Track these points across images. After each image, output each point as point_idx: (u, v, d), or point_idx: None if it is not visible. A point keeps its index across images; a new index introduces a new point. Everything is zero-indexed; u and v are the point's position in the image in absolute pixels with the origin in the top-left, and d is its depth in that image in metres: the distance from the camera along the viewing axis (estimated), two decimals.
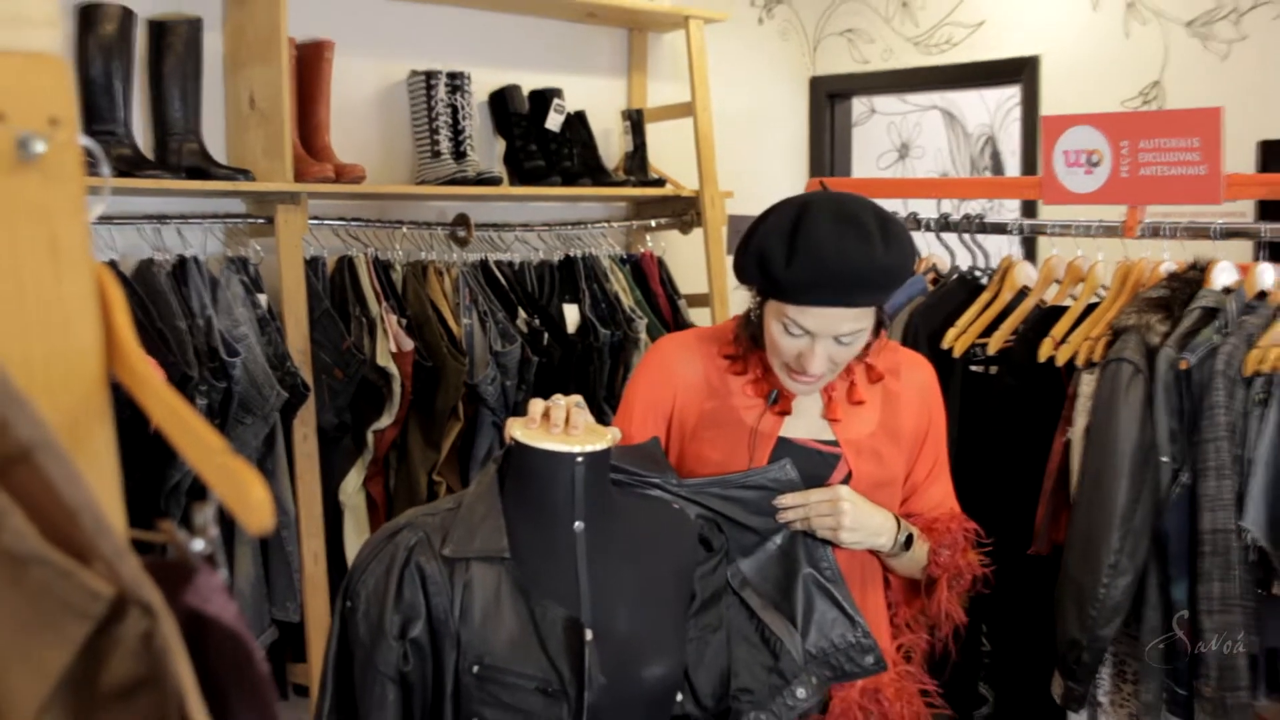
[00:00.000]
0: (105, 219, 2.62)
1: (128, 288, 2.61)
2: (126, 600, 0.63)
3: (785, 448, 1.83)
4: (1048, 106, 4.14)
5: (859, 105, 5.42)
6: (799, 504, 1.74)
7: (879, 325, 1.83)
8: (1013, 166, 5.96)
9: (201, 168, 2.79)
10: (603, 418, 3.17)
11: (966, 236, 2.87)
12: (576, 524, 1.56)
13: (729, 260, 3.81)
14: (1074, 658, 2.27)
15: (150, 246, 2.74)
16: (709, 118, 3.80)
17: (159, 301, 2.64)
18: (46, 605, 0.62)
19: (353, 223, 3.16)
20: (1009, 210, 5.27)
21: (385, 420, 2.99)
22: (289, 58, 2.92)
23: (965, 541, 1.90)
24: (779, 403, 1.85)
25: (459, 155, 3.30)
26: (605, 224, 3.77)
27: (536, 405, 1.60)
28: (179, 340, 2.60)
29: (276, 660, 2.88)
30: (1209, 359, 2.22)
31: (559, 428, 1.57)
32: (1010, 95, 5.65)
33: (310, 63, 3.07)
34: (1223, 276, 2.39)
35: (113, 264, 2.68)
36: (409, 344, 3.01)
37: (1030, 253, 4.11)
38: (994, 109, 6.19)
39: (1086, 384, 2.36)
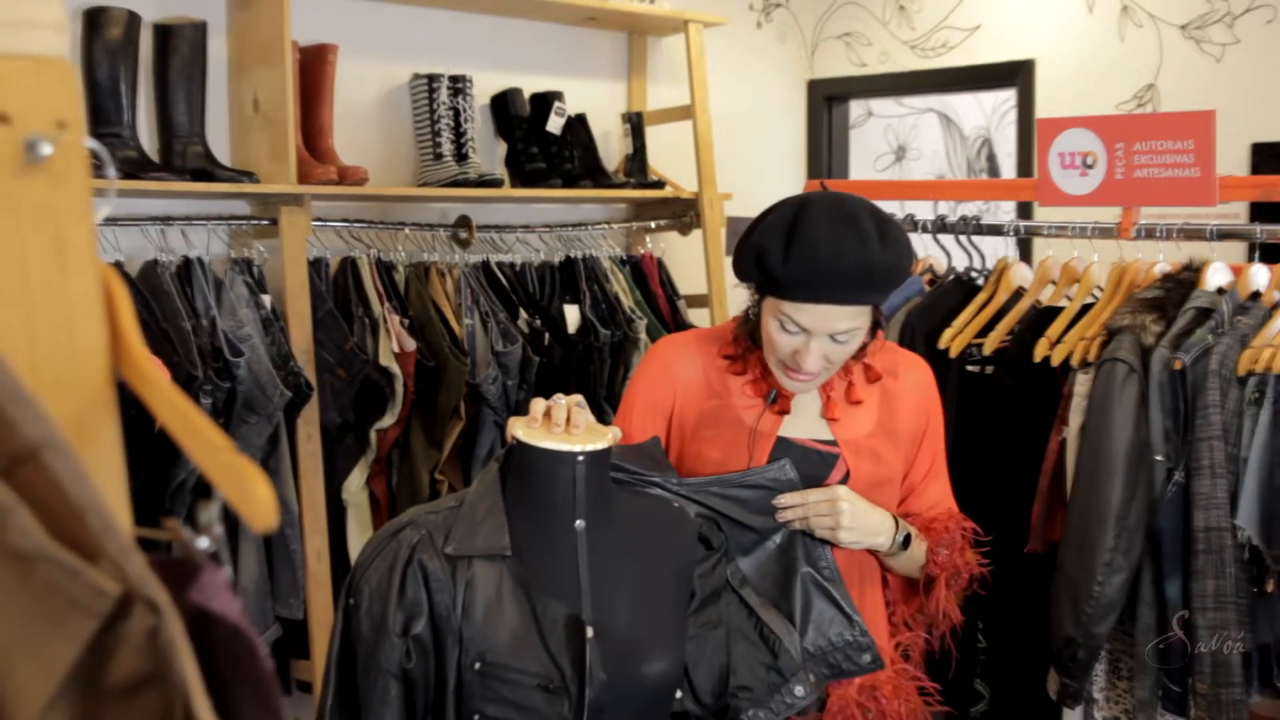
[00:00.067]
0: (111, 220, 2.62)
1: (133, 288, 2.61)
2: (132, 597, 0.63)
3: (784, 447, 1.83)
4: (1043, 109, 4.14)
5: (856, 108, 5.42)
6: (798, 504, 1.74)
7: (875, 325, 1.83)
8: (1008, 169, 5.97)
9: (206, 170, 2.79)
10: (603, 417, 3.17)
11: (963, 238, 2.87)
12: (577, 522, 1.56)
13: (728, 261, 3.81)
14: (1069, 654, 2.27)
15: (155, 248, 2.74)
16: (708, 120, 3.80)
17: (164, 302, 2.64)
18: (53, 602, 0.62)
19: (356, 224, 3.16)
20: (1005, 212, 5.27)
21: (388, 419, 2.99)
22: (293, 61, 2.92)
23: (963, 541, 1.90)
24: (778, 402, 1.85)
25: (461, 157, 3.30)
26: (605, 225, 3.77)
27: (538, 405, 1.60)
28: (184, 340, 2.60)
29: (280, 656, 2.88)
30: (1203, 359, 2.22)
31: (560, 427, 1.57)
32: (1006, 98, 5.65)
33: (314, 66, 3.07)
34: (1216, 277, 2.39)
35: (118, 265, 2.68)
36: (411, 344, 3.01)
37: (1026, 254, 4.10)
38: (990, 112, 6.19)
39: (1081, 384, 2.36)
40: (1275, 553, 2.19)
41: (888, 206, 1.94)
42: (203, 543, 0.71)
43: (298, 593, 2.82)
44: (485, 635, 1.47)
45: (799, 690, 1.64)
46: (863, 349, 1.85)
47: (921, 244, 2.89)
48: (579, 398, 1.62)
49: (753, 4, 4.54)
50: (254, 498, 0.70)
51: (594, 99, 3.81)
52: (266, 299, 2.83)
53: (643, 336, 3.46)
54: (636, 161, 3.77)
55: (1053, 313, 2.57)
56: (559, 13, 3.62)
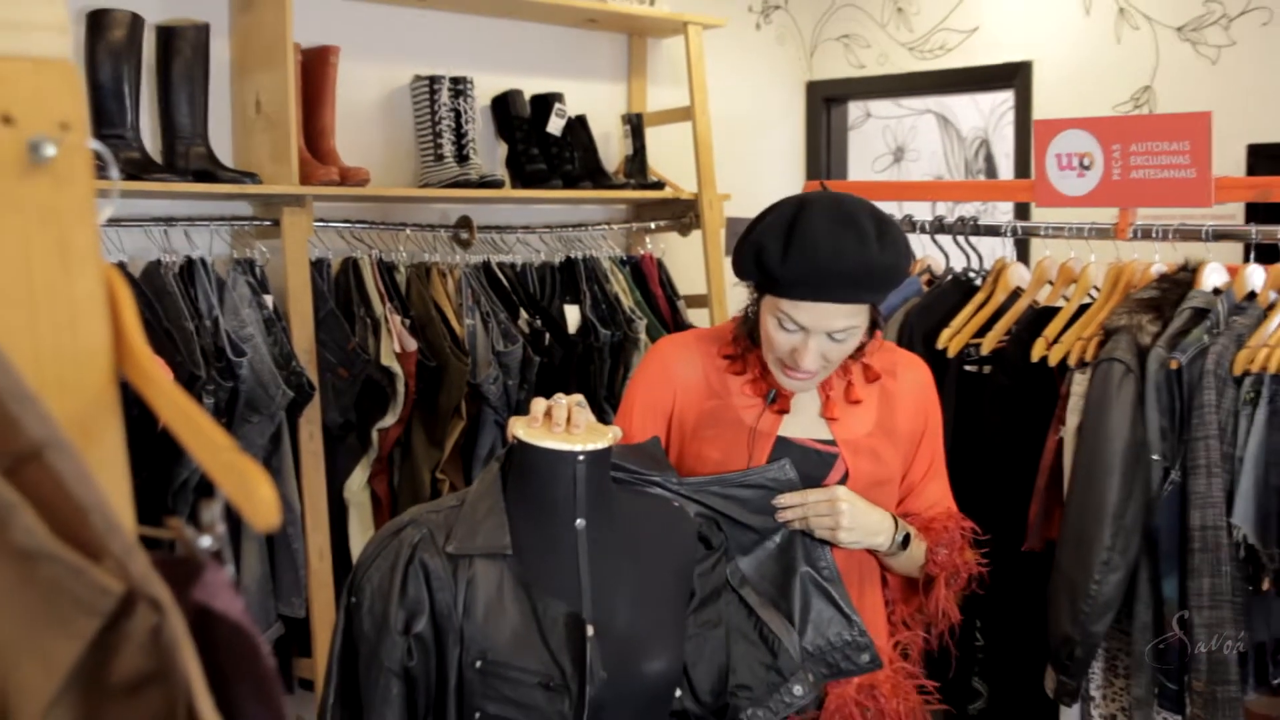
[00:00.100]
0: (114, 221, 2.62)
1: (136, 289, 2.61)
2: (135, 596, 0.63)
3: (783, 447, 1.83)
4: (1040, 111, 4.14)
5: (855, 109, 5.42)
6: (797, 504, 1.74)
7: (874, 325, 1.83)
8: (1006, 170, 5.96)
9: (209, 171, 2.79)
10: (603, 417, 3.16)
11: (961, 238, 2.87)
12: (578, 521, 1.56)
13: (727, 262, 3.81)
14: (1067, 653, 2.27)
15: (158, 248, 2.74)
16: (707, 122, 3.80)
17: (167, 302, 2.64)
18: (57, 601, 0.62)
19: (357, 225, 3.16)
20: (1002, 213, 5.26)
21: (389, 419, 2.99)
22: (295, 63, 2.92)
23: (962, 540, 1.90)
24: (777, 402, 1.85)
25: (462, 159, 3.30)
26: (605, 226, 3.77)
27: (538, 404, 1.60)
28: (186, 340, 2.60)
29: (282, 655, 2.88)
30: (1199, 359, 2.22)
31: (560, 426, 1.57)
32: (1004, 100, 5.65)
33: (315, 68, 3.07)
34: (1212, 278, 2.40)
35: (121, 265, 2.67)
36: (413, 344, 3.01)
37: (1023, 254, 4.10)
38: (988, 113, 6.19)
39: (1079, 383, 2.36)
40: (1271, 551, 2.19)
41: (886, 207, 1.94)
42: (205, 541, 0.71)
43: (300, 591, 2.82)
44: (486, 634, 1.47)
45: (797, 690, 1.64)
46: (861, 349, 1.85)
47: (919, 244, 2.89)
48: (579, 397, 1.62)
49: (752, 6, 4.54)
50: (256, 497, 0.70)
51: (594, 100, 3.81)
52: (269, 299, 2.83)
53: (643, 337, 3.46)
54: (636, 162, 3.77)
55: (1050, 313, 2.57)
56: (559, 15, 3.62)
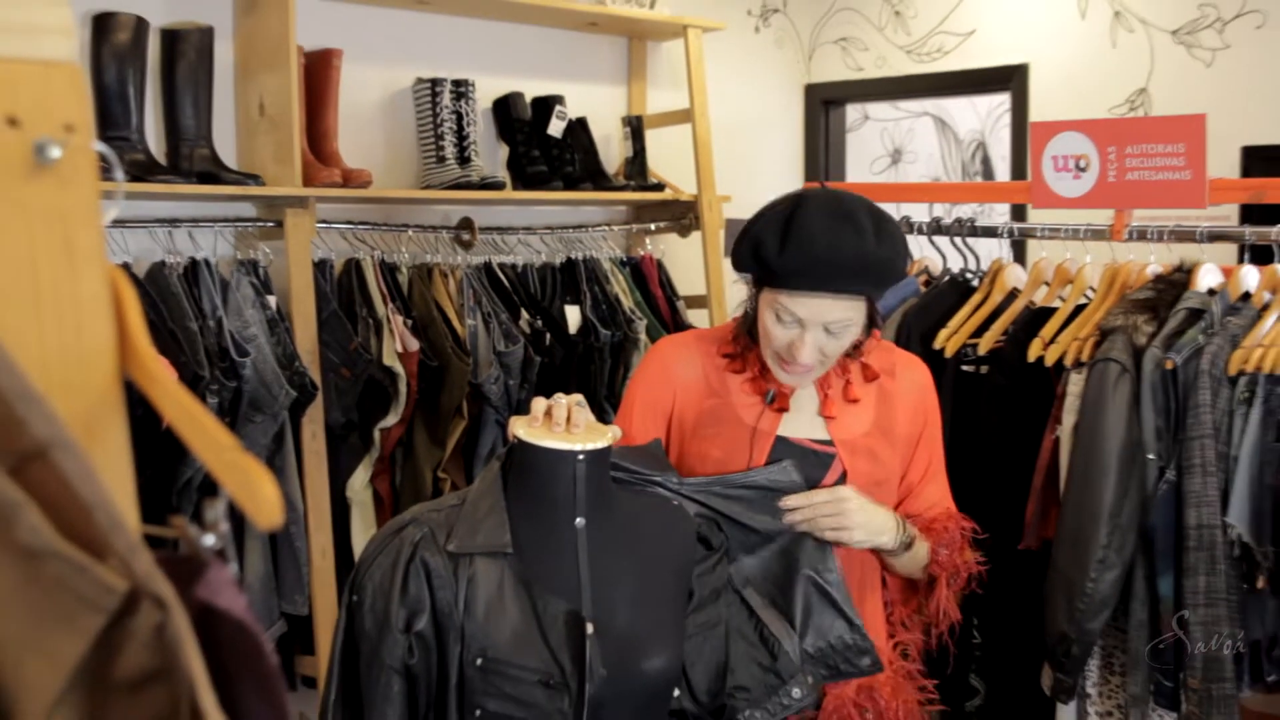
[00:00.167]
0: (119, 222, 2.62)
1: (140, 289, 2.61)
2: (139, 594, 0.63)
3: (782, 447, 1.83)
4: (1037, 113, 4.14)
5: (853, 111, 5.42)
6: (802, 505, 1.73)
7: (871, 323, 1.83)
8: (1003, 172, 5.96)
9: (212, 172, 2.79)
10: (603, 417, 3.17)
11: (958, 240, 2.87)
12: (578, 520, 1.56)
13: (727, 263, 3.82)
14: (1063, 650, 2.27)
15: (162, 249, 2.74)
16: (707, 124, 3.80)
17: (171, 303, 2.64)
18: (61, 599, 0.62)
19: (360, 226, 3.16)
20: (999, 214, 5.26)
21: (391, 418, 2.99)
22: (298, 66, 2.92)
23: (962, 540, 1.89)
24: (776, 401, 1.85)
25: (463, 160, 3.30)
26: (606, 227, 3.77)
27: (539, 404, 1.60)
28: (190, 340, 2.60)
29: (285, 652, 2.88)
30: (1194, 359, 2.22)
31: (561, 426, 1.57)
32: (1000, 102, 5.65)
33: (319, 70, 3.07)
34: (1207, 278, 2.40)
35: (126, 266, 2.68)
36: (414, 344, 3.01)
37: (1020, 255, 4.10)
38: (984, 116, 6.19)
39: (1075, 383, 2.36)
40: (1265, 549, 2.19)
41: (884, 209, 1.94)
42: (209, 540, 0.71)
43: (302, 589, 2.82)
44: (487, 631, 1.47)
45: (796, 692, 1.64)
46: (858, 347, 1.85)
47: (917, 246, 2.90)
48: (579, 397, 1.62)
49: (751, 9, 4.54)
50: (259, 496, 0.70)
51: (595, 103, 3.81)
52: (272, 300, 2.83)
53: (643, 337, 3.46)
54: (636, 164, 3.77)
55: (1046, 313, 2.57)
56: (560, 18, 3.62)
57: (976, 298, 2.70)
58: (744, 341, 1.88)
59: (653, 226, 3.87)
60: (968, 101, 6.05)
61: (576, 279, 3.52)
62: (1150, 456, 2.23)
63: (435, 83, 3.28)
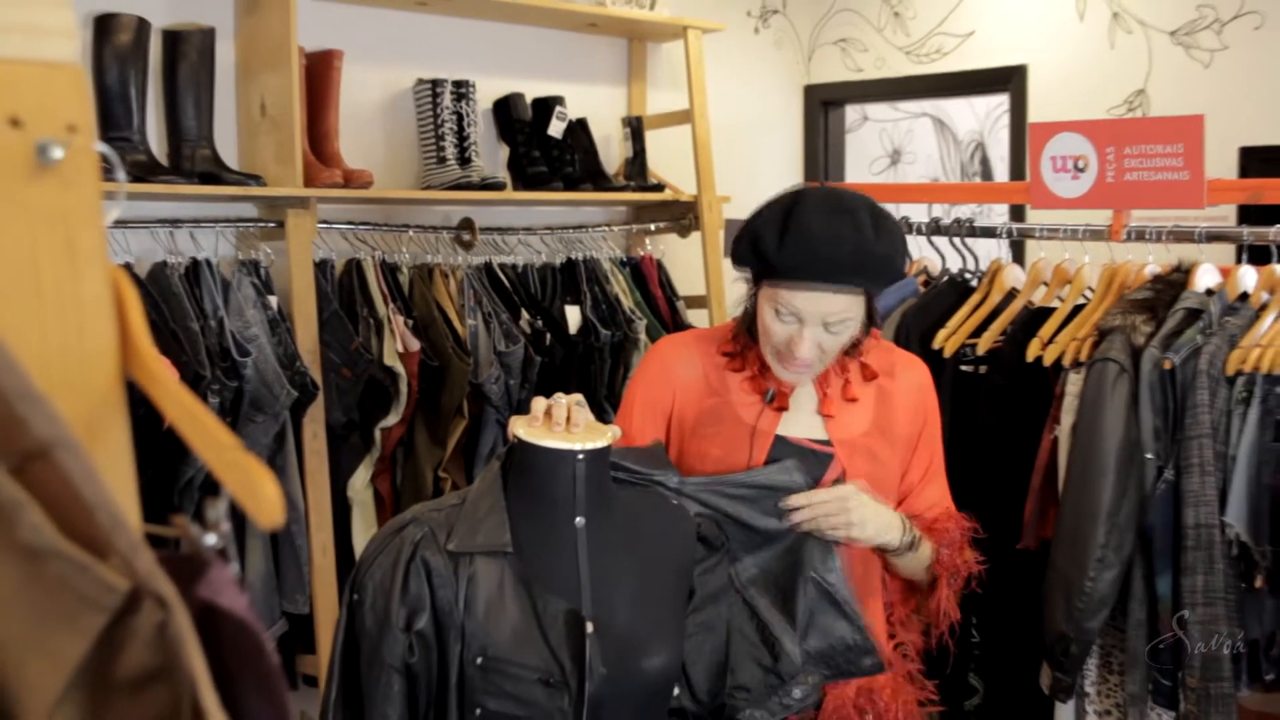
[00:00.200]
0: (121, 223, 2.62)
1: (142, 290, 2.61)
2: (141, 593, 0.63)
3: (781, 446, 1.82)
4: (1035, 114, 4.14)
5: (852, 112, 5.41)
6: (805, 504, 1.71)
7: (870, 320, 1.82)
8: (1001, 172, 5.96)
9: (214, 173, 2.79)
10: (603, 416, 3.17)
11: (957, 240, 2.87)
12: (578, 519, 1.56)
13: (727, 263, 3.82)
14: (1062, 649, 2.27)
15: (164, 250, 2.74)
16: (706, 125, 3.80)
17: (173, 303, 2.64)
18: (64, 598, 0.62)
19: (361, 226, 3.16)
20: (998, 215, 5.26)
21: (392, 418, 2.99)
22: (299, 66, 2.92)
23: (962, 539, 1.89)
24: (775, 400, 1.85)
25: (464, 161, 3.30)
26: (606, 228, 3.78)
27: (539, 404, 1.60)
28: (192, 340, 2.60)
29: (286, 651, 2.88)
30: (1192, 359, 2.22)
31: (561, 426, 1.57)
32: (999, 103, 5.64)
33: (320, 71, 3.07)
34: (1205, 279, 2.40)
35: (128, 267, 2.68)
36: (415, 344, 3.01)
37: (1018, 256, 4.10)
38: (983, 116, 6.19)
39: (1073, 383, 2.36)
40: (1263, 549, 2.19)
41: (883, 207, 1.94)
42: (210, 539, 0.71)
43: (303, 588, 2.82)
44: (487, 630, 1.47)
45: (797, 693, 1.63)
46: (857, 345, 1.84)
47: (916, 246, 2.90)
48: (579, 397, 1.62)
49: (750, 10, 4.54)
50: (261, 495, 0.70)
51: (595, 103, 3.81)
52: (273, 300, 2.83)
53: (642, 337, 3.46)
54: (636, 165, 3.77)
55: (1045, 313, 2.57)
56: (560, 19, 3.62)
57: (975, 298, 2.70)
58: (743, 340, 1.88)
59: (652, 227, 3.87)
60: (966, 102, 6.05)
61: (576, 279, 3.52)
62: (1148, 456, 2.23)
63: (436, 83, 3.28)
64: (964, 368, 2.62)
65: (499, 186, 3.28)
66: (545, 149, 3.54)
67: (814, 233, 1.67)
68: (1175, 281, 2.42)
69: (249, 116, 2.98)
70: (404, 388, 2.97)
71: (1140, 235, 2.54)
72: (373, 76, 3.32)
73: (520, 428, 1.58)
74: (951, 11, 4.44)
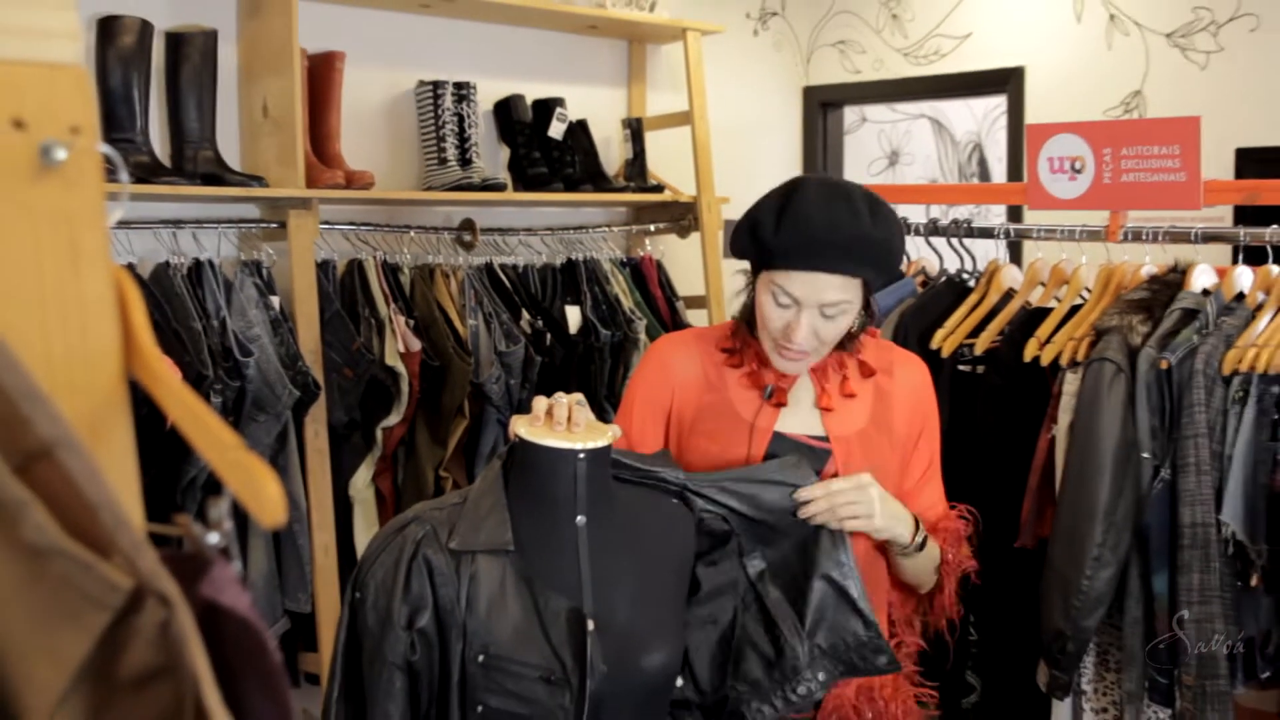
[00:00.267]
0: (124, 224, 2.62)
1: (145, 290, 2.61)
2: (144, 591, 0.63)
3: (779, 442, 1.82)
4: (1033, 115, 4.14)
5: (850, 114, 5.42)
6: (821, 495, 1.67)
7: (867, 312, 1.82)
8: (999, 173, 5.96)
9: (216, 174, 2.79)
10: (604, 416, 3.17)
11: (954, 240, 2.87)
12: (579, 518, 1.56)
13: (726, 263, 3.82)
14: (1059, 647, 2.27)
15: (167, 250, 2.74)
16: (706, 126, 3.80)
17: (175, 303, 2.64)
18: (67, 597, 0.62)
19: (362, 227, 3.16)
20: (995, 215, 5.27)
21: (394, 418, 2.99)
22: (301, 68, 2.92)
23: (961, 537, 1.89)
24: (774, 396, 1.84)
25: (465, 162, 3.30)
26: (606, 228, 3.78)
27: (540, 403, 1.60)
28: (194, 341, 2.59)
29: (288, 649, 2.88)
30: (1188, 359, 2.22)
31: (561, 425, 1.57)
32: (997, 104, 5.65)
33: (321, 73, 3.07)
34: (1202, 279, 2.40)
35: (131, 267, 2.68)
36: (416, 344, 3.01)
37: (1016, 256, 4.10)
38: (981, 118, 6.19)
39: (1070, 383, 2.36)
40: (1259, 547, 2.19)
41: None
42: (213, 538, 0.71)
43: (305, 587, 2.82)
44: (488, 628, 1.47)
45: (801, 689, 1.62)
46: (853, 337, 1.84)
47: (914, 247, 2.90)
48: (580, 396, 1.62)
49: (750, 12, 4.54)
50: (263, 494, 0.70)
51: (595, 105, 3.81)
52: (275, 300, 2.83)
53: (642, 337, 3.46)
54: (636, 166, 3.77)
55: (1042, 314, 2.57)
56: (561, 21, 3.62)
57: (973, 298, 2.70)
58: (742, 336, 1.88)
59: (652, 228, 3.87)
60: (964, 104, 6.06)
61: (577, 279, 3.52)
62: (1145, 455, 2.23)
63: (437, 85, 3.28)
64: (962, 367, 2.62)
65: (500, 187, 3.28)
66: (546, 150, 3.54)
67: (811, 217, 1.68)
68: (1172, 282, 2.41)
69: (251, 118, 2.98)
70: (405, 387, 2.97)
71: (1137, 236, 2.54)
72: (374, 78, 3.32)
73: (522, 427, 1.58)
74: (949, 13, 4.44)
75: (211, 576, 0.69)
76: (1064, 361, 2.40)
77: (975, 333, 2.62)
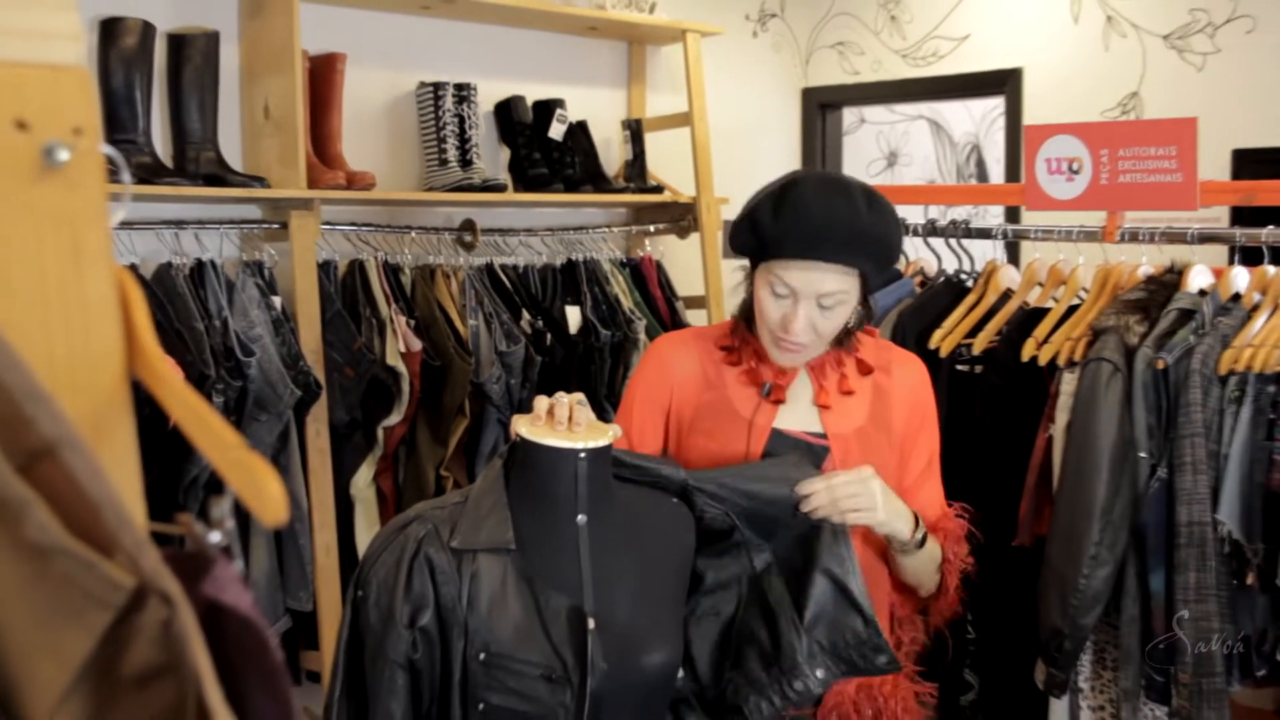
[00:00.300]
0: (126, 224, 2.62)
1: (148, 290, 2.61)
2: (146, 590, 0.63)
3: (777, 439, 1.82)
4: (1030, 116, 4.14)
5: (849, 115, 5.42)
6: (822, 488, 1.66)
7: (865, 307, 1.82)
8: (997, 174, 5.96)
9: (218, 175, 2.79)
10: (604, 415, 3.17)
11: (953, 241, 2.87)
12: (579, 517, 1.56)
13: (725, 264, 3.82)
14: (1056, 645, 2.27)
15: (169, 251, 2.74)
16: (705, 127, 3.80)
17: (177, 303, 2.63)
18: (70, 595, 0.62)
19: (363, 228, 3.16)
20: (993, 216, 5.27)
21: (394, 417, 2.99)
22: (302, 70, 2.92)
23: (959, 535, 1.88)
24: (772, 393, 1.84)
25: (465, 163, 3.30)
26: (606, 229, 3.78)
27: (541, 403, 1.60)
28: (196, 340, 2.59)
29: (290, 647, 2.88)
30: (1185, 358, 2.22)
31: (562, 425, 1.57)
32: (994, 106, 5.65)
33: (323, 74, 3.07)
34: (1198, 279, 2.39)
35: (133, 267, 2.68)
36: (417, 344, 3.01)
37: (1014, 257, 4.10)
38: (979, 119, 6.19)
39: (1068, 383, 2.36)
40: (1255, 546, 2.19)
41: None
42: (215, 537, 0.71)
43: (307, 585, 2.82)
44: (490, 626, 1.47)
45: (798, 684, 1.62)
46: (850, 334, 1.84)
47: (913, 247, 2.90)
48: (580, 396, 1.62)
49: (749, 14, 4.54)
50: (265, 493, 0.70)
51: (595, 106, 3.81)
52: (277, 300, 2.83)
53: (642, 337, 3.46)
54: (636, 167, 3.77)
55: (1040, 314, 2.57)
56: (560, 23, 3.62)
57: (971, 298, 2.70)
58: (741, 333, 1.88)
59: (652, 228, 3.87)
60: (962, 105, 6.06)
61: (577, 280, 3.52)
62: (1142, 455, 2.23)
63: (438, 86, 3.28)
64: (960, 367, 2.61)
65: (500, 188, 3.28)
66: (546, 151, 3.54)
67: (809, 208, 1.69)
68: (1168, 282, 2.41)
69: (253, 119, 2.98)
70: (406, 387, 2.97)
71: (1134, 236, 2.54)
72: (375, 79, 3.32)
73: (523, 426, 1.58)
74: (947, 15, 4.44)
75: (213, 575, 0.68)
76: (1061, 361, 2.40)
77: (973, 333, 2.62)
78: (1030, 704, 2.45)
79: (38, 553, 0.62)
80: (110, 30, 2.65)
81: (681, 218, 3.84)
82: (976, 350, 2.59)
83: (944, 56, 4.47)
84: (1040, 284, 2.68)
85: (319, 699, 2.84)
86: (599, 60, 3.92)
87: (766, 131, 4.64)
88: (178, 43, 2.80)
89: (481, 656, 1.46)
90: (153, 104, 2.75)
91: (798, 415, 1.85)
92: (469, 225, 3.28)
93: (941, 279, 2.83)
